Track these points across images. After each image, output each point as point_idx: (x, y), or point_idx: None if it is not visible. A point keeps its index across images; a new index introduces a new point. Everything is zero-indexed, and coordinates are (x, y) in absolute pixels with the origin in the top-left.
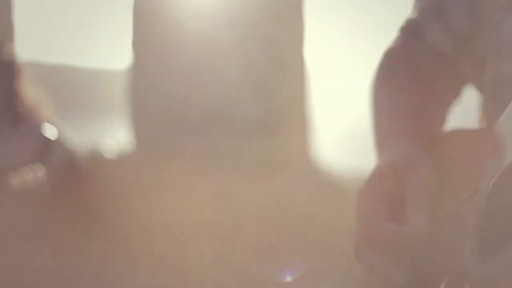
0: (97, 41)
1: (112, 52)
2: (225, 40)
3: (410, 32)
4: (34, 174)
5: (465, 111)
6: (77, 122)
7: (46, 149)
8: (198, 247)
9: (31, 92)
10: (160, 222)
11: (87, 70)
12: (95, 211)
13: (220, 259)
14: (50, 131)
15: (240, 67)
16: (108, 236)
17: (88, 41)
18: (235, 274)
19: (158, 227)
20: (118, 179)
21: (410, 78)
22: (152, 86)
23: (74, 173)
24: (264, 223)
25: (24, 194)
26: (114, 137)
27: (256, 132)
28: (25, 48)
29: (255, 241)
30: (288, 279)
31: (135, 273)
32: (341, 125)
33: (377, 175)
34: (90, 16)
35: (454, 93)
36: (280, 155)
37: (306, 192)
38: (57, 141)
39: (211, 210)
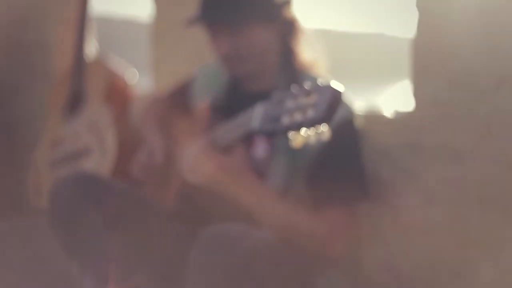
0: (384, 8)
1: (398, 19)
2: None
3: None
4: (317, 131)
5: None
6: (358, 83)
7: (330, 107)
8: (493, 218)
9: (309, 53)
10: (437, 188)
11: (373, 35)
12: (368, 173)
13: None
14: (336, 89)
15: None
16: (380, 200)
17: (377, 8)
18: None
19: (433, 193)
20: (394, 140)
21: None
22: (438, 49)
23: (351, 132)
24: None
25: (306, 151)
26: (392, 97)
27: None
28: (307, 13)
29: None
30: None
31: (404, 243)
32: None
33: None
34: None
35: None
36: None
37: None
38: (340, 99)
39: (502, 180)
